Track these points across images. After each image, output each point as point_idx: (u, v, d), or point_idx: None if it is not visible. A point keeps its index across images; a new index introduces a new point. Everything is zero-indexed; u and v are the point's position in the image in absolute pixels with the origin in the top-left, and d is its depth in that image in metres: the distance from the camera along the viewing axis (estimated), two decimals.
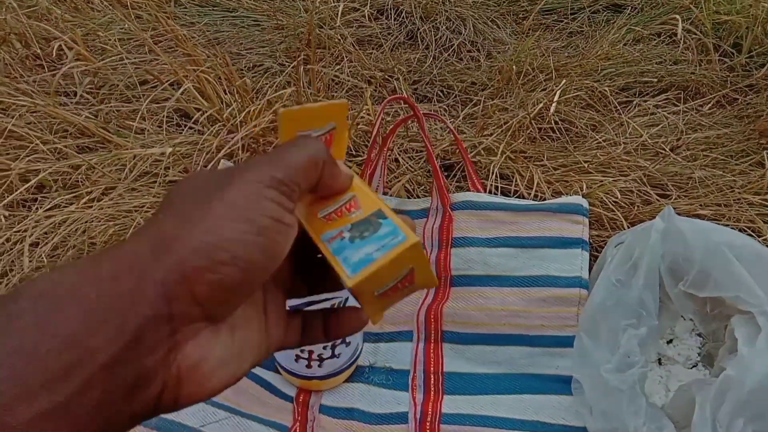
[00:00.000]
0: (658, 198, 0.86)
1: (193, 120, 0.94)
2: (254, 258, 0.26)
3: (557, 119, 0.99)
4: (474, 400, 0.69)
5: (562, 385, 0.69)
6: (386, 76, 1.11)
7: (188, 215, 0.25)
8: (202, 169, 0.26)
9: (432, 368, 0.72)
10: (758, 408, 0.55)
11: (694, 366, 0.72)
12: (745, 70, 1.18)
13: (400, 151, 0.92)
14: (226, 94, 0.95)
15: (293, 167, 0.28)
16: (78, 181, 0.82)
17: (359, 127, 0.91)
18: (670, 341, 0.74)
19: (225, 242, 0.25)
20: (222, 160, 0.83)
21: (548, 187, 0.86)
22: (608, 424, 0.60)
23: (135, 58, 1.07)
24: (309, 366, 0.64)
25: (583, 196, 0.81)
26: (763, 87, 1.13)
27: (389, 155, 0.90)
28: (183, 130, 0.95)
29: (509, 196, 0.86)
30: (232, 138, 0.83)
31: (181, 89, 0.88)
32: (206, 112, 0.89)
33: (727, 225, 0.81)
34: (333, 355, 0.64)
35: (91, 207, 0.74)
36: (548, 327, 0.72)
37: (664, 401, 0.69)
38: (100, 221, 0.74)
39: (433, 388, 0.70)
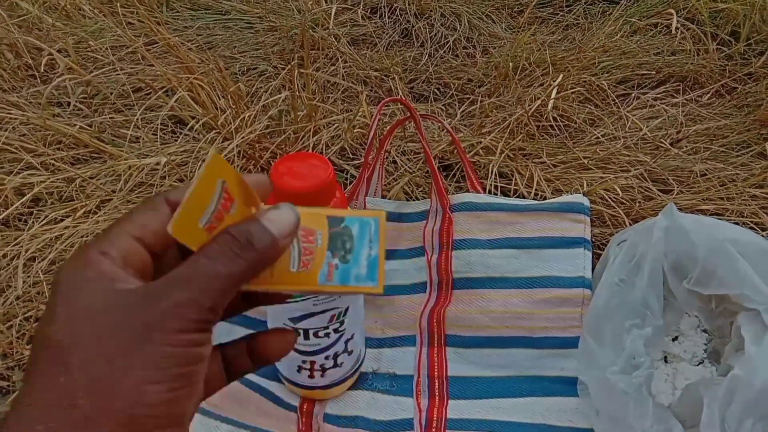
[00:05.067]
0: (659, 193, 0.85)
1: (188, 127, 0.93)
2: (184, 408, 0.25)
3: (555, 115, 0.98)
4: (479, 404, 0.69)
5: (567, 386, 0.69)
6: (382, 76, 1.10)
7: (104, 383, 0.23)
8: (82, 292, 0.25)
9: (436, 373, 0.71)
10: (767, 408, 0.54)
11: (700, 363, 0.71)
12: (743, 59, 1.17)
13: (399, 152, 0.91)
14: (220, 99, 0.94)
15: (212, 289, 0.25)
16: (73, 194, 0.81)
17: (356, 130, 0.90)
18: (675, 338, 0.73)
19: (150, 408, 0.24)
20: None
21: (548, 185, 0.85)
22: (615, 427, 0.60)
23: (128, 66, 1.06)
24: (311, 376, 0.63)
25: (583, 194, 0.80)
26: (762, 75, 1.11)
27: (387, 157, 0.89)
28: (178, 137, 0.94)
29: (509, 196, 0.85)
30: (228, 145, 0.82)
31: (175, 97, 0.87)
32: (201, 119, 0.88)
33: (731, 219, 0.80)
34: (335, 365, 0.63)
35: (87, 221, 0.74)
36: (552, 328, 0.71)
37: (671, 400, 0.68)
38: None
39: (437, 393, 0.69)
